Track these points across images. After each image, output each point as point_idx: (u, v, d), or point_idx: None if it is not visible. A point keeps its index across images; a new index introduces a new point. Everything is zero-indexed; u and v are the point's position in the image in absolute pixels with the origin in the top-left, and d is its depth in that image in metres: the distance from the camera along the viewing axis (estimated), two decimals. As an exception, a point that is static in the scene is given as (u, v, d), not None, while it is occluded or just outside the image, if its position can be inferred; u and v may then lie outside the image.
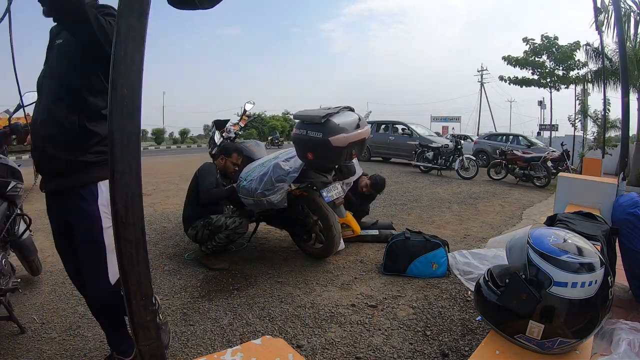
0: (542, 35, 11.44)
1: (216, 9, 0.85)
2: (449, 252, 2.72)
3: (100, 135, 1.34)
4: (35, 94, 2.56)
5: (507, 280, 1.19)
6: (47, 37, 1.47)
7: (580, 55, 11.03)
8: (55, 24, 1.33)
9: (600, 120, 10.32)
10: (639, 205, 2.03)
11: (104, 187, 1.35)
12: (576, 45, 10.86)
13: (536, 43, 11.49)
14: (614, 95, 10.01)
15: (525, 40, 11.66)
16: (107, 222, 1.32)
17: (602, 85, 7.70)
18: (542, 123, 20.63)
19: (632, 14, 7.27)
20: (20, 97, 1.69)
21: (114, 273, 1.34)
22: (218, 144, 3.70)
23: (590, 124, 11.47)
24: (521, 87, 12.37)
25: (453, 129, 24.63)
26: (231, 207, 3.21)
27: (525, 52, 11.75)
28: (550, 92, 12.35)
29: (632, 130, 8.40)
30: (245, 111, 4.04)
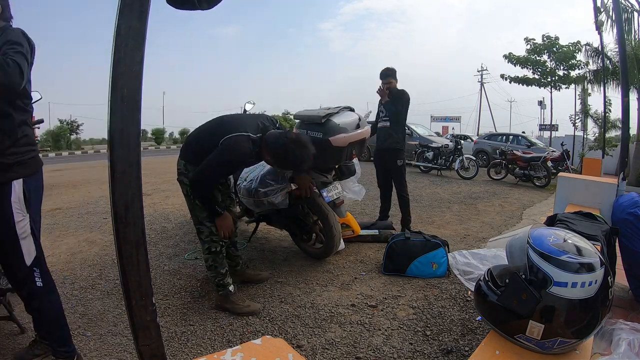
0: (543, 35, 11.48)
1: (217, 9, 0.85)
2: (449, 252, 2.72)
3: (12, 138, 1.46)
4: (38, 93, 2.56)
5: (507, 280, 1.19)
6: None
7: (580, 56, 11.06)
8: None
9: (600, 120, 10.33)
10: (639, 205, 2.03)
11: (17, 185, 1.47)
12: (577, 46, 10.88)
13: (537, 43, 11.51)
14: (615, 95, 10.03)
15: (527, 40, 11.69)
16: (18, 216, 1.47)
17: (602, 85, 7.70)
18: (542, 123, 20.65)
19: (635, 12, 7.25)
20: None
21: (28, 254, 1.51)
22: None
23: (590, 124, 11.49)
24: (522, 85, 12.39)
25: (453, 129, 24.63)
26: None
27: (526, 50, 11.78)
28: (551, 92, 12.36)
29: (632, 130, 8.39)
30: (245, 111, 4.04)
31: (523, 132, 15.25)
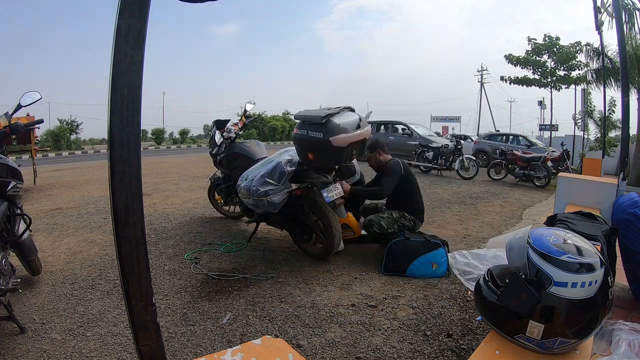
0: (545, 34, 11.48)
1: (216, 7, 0.85)
2: (449, 252, 2.72)
3: None
4: (37, 93, 2.55)
5: (507, 280, 1.19)
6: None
7: (581, 57, 11.06)
8: None
9: (601, 121, 10.33)
10: (639, 205, 2.03)
11: None
12: (578, 46, 10.87)
13: (538, 42, 11.51)
14: (615, 95, 10.03)
15: (529, 39, 11.70)
16: None
17: (602, 85, 7.70)
18: (542, 123, 20.64)
19: (636, 12, 7.23)
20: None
21: None
22: (218, 144, 3.70)
23: (591, 124, 11.50)
24: (522, 86, 12.40)
25: (453, 129, 24.62)
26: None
27: (527, 51, 11.78)
28: (551, 92, 12.37)
29: (632, 130, 8.38)
30: (245, 111, 4.03)
31: (525, 133, 15.21)
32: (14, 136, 3.77)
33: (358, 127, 2.62)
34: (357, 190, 3.03)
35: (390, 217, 2.91)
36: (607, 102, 7.72)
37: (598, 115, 11.17)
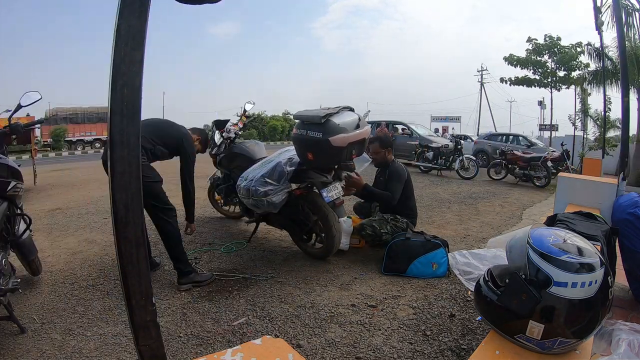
0: (545, 35, 11.48)
1: (214, 7, 0.85)
2: (449, 252, 2.72)
3: None
4: (37, 93, 2.55)
5: (507, 280, 1.19)
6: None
7: (583, 58, 11.05)
8: None
9: (600, 120, 10.34)
10: (639, 205, 2.03)
11: None
12: (579, 47, 10.86)
13: (539, 42, 11.51)
14: (614, 95, 10.02)
15: (529, 39, 11.69)
16: None
17: (602, 85, 7.70)
18: (542, 123, 20.64)
19: (635, 12, 7.23)
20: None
21: None
22: (218, 144, 3.69)
23: (590, 124, 11.50)
24: (522, 86, 12.40)
25: (453, 129, 24.60)
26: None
27: (527, 50, 11.77)
28: (551, 92, 12.37)
29: (632, 130, 8.39)
30: (245, 111, 4.03)
31: (525, 133, 15.20)
32: (14, 136, 3.76)
33: (357, 126, 2.61)
34: (371, 190, 2.98)
35: (382, 219, 2.91)
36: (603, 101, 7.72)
37: (595, 115, 11.17)
